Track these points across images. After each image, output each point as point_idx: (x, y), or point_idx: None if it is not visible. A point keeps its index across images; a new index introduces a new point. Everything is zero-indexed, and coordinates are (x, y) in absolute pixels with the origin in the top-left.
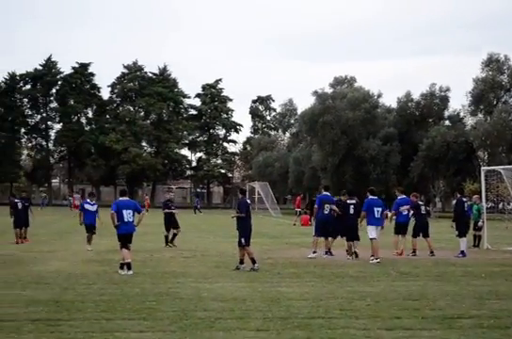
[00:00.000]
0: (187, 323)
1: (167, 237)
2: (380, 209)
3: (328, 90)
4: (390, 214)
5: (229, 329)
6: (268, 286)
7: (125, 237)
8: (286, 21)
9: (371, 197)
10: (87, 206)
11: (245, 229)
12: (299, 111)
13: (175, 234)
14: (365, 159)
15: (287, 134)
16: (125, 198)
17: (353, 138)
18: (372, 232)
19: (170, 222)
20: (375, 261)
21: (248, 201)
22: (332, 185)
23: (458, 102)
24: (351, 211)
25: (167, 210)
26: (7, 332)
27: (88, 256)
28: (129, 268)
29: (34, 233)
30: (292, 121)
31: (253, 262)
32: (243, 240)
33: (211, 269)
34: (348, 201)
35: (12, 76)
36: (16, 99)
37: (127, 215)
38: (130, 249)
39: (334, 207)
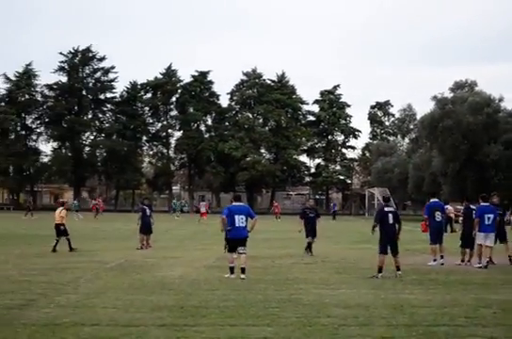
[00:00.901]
0: (311, 329)
1: (309, 244)
2: (492, 216)
3: (448, 95)
4: None
5: (353, 336)
6: (391, 293)
7: (235, 242)
8: (403, 26)
9: (483, 203)
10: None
11: (380, 236)
12: (418, 116)
13: (312, 243)
14: (487, 164)
15: (406, 139)
16: (239, 203)
17: (474, 143)
18: (479, 238)
19: (308, 229)
20: (477, 265)
21: (389, 208)
22: (453, 190)
23: None
24: (473, 216)
25: (301, 218)
26: (134, 337)
27: (209, 262)
28: (232, 272)
29: (156, 238)
30: (411, 127)
31: (379, 271)
32: (378, 248)
33: (332, 275)
34: (472, 207)
35: (134, 85)
36: (137, 107)
37: (239, 220)
38: (244, 253)
39: (450, 209)
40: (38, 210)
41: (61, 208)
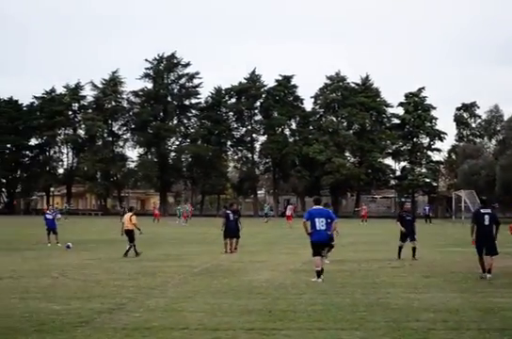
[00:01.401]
0: (400, 334)
1: (400, 248)
2: None
3: None
4: None
5: None
6: (480, 296)
7: (317, 245)
8: (490, 26)
9: None
10: None
11: (476, 238)
12: (506, 117)
13: (414, 248)
14: None
15: (493, 141)
16: (319, 206)
17: None
18: None
19: (405, 233)
20: None
21: (486, 210)
22: None
23: None
24: None
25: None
26: None
27: (296, 266)
28: (318, 276)
29: (242, 243)
30: (498, 128)
31: (483, 271)
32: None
33: (420, 279)
34: None
35: (218, 91)
36: (222, 113)
37: (319, 223)
38: (324, 256)
39: None
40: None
41: (130, 214)
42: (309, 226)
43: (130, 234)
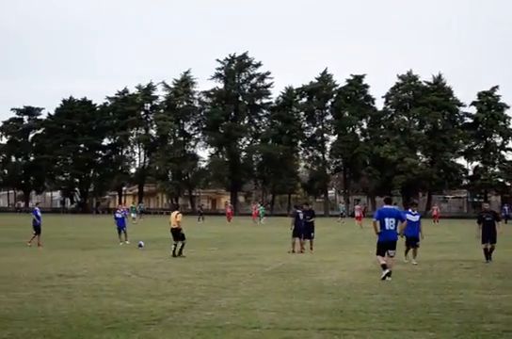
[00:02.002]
0: (474, 335)
1: (485, 250)
2: None
3: None
4: None
5: None
6: None
7: (385, 245)
8: None
9: None
10: (408, 217)
11: None
12: None
13: (488, 249)
14: None
15: None
16: (389, 206)
17: None
18: None
19: (484, 234)
20: None
21: None
22: None
23: None
24: None
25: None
26: None
27: (367, 266)
28: (384, 268)
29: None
30: None
31: None
32: None
33: (494, 280)
34: None
35: (289, 90)
36: (293, 112)
37: (389, 223)
38: (392, 256)
39: None
40: (194, 215)
41: (177, 212)
42: (378, 226)
43: (176, 232)
